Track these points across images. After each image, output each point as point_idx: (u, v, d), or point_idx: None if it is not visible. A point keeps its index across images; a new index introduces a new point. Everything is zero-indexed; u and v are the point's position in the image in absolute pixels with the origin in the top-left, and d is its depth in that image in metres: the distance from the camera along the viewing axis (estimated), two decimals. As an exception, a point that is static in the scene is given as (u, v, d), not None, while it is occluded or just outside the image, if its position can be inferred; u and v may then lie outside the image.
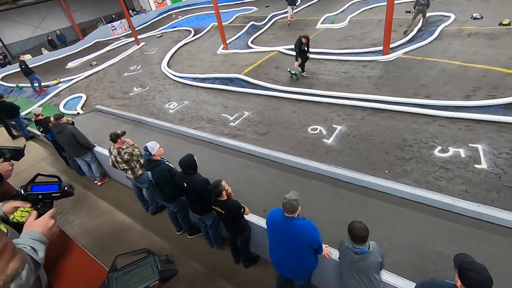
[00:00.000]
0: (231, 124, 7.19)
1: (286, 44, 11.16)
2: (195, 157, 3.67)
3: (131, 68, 13.07)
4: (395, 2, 8.22)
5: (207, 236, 4.26)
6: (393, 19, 8.23)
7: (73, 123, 6.05)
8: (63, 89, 11.96)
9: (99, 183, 6.22)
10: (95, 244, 4.80)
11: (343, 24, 12.18)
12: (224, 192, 3.28)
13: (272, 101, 7.93)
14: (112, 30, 20.46)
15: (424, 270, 3.23)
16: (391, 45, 8.89)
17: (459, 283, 1.93)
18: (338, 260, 2.87)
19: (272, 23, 14.63)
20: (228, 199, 3.37)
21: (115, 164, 4.66)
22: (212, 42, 13.75)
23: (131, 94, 10.38)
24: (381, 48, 8.85)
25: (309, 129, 6.35)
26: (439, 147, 5.13)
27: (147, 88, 10.57)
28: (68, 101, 10.79)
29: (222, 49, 12.40)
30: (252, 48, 11.93)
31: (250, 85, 8.94)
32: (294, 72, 8.63)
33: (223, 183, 3.31)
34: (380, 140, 5.60)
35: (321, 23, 12.82)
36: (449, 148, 5.08)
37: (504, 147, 4.84)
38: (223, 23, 12.54)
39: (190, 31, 16.23)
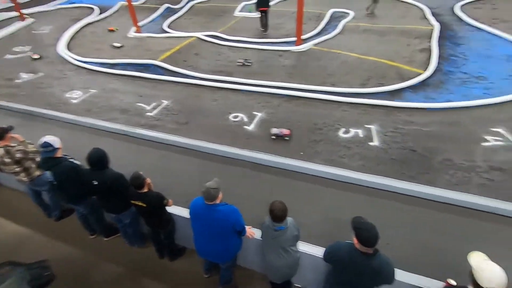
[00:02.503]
0: (148, 114, 6.72)
1: (205, 30, 10.88)
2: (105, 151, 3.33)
3: (15, 49, 10.78)
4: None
5: (126, 236, 3.98)
6: (303, 12, 8.87)
7: None
8: None
9: None
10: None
11: (260, 14, 12.46)
12: (146, 184, 3.11)
13: (192, 89, 7.70)
14: (-15, 0, 16.34)
15: (332, 236, 3.70)
16: (303, 37, 9.59)
17: (355, 240, 2.31)
18: (261, 238, 3.06)
19: (190, 8, 13.99)
20: (149, 191, 3.21)
21: (2, 166, 3.86)
22: (122, 24, 12.37)
23: (18, 81, 8.60)
24: (294, 39, 9.47)
25: (230, 117, 6.43)
26: (343, 129, 5.87)
27: (41, 74, 8.92)
28: None
29: (135, 32, 11.32)
30: (169, 32, 11.24)
31: (168, 72, 8.46)
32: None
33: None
34: (295, 125, 6.06)
35: (239, 11, 12.88)
36: (350, 129, 5.86)
37: (389, 127, 5.85)
38: (133, 3, 11.38)
39: (93, 9, 14.20)
